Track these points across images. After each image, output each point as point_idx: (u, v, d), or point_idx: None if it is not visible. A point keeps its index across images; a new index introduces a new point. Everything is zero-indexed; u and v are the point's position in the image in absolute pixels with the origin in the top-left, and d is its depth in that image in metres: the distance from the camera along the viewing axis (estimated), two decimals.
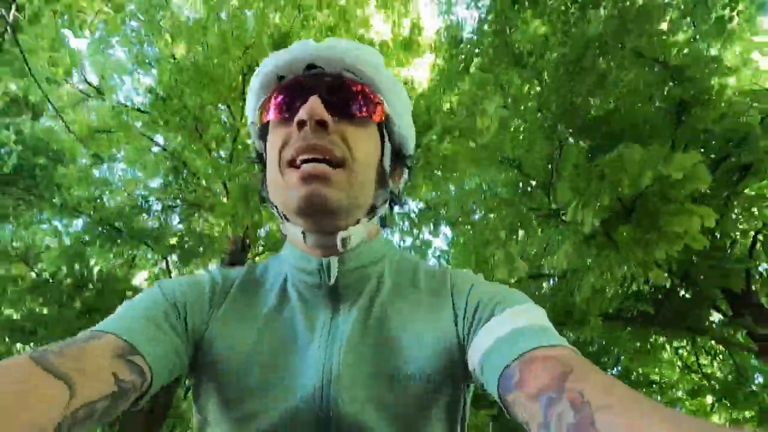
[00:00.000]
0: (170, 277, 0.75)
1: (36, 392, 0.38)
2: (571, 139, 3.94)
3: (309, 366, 0.52)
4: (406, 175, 0.67)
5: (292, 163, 0.52)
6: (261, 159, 0.62)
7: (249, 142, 4.63)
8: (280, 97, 0.56)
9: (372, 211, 0.58)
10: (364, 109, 0.55)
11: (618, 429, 0.33)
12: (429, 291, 0.59)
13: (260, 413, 0.51)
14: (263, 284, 0.62)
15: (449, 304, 0.57)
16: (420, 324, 0.55)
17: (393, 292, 0.59)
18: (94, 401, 0.41)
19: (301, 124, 0.51)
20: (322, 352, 0.53)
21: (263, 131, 0.59)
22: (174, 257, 6.27)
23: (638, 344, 5.78)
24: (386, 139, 0.59)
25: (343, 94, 0.55)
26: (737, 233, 4.13)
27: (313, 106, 0.51)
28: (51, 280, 5.47)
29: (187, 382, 0.60)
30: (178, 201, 6.35)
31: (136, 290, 5.82)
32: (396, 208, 0.68)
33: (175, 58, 5.44)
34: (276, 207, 0.58)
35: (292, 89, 0.55)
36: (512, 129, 4.20)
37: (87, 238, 5.70)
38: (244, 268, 0.65)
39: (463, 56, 4.66)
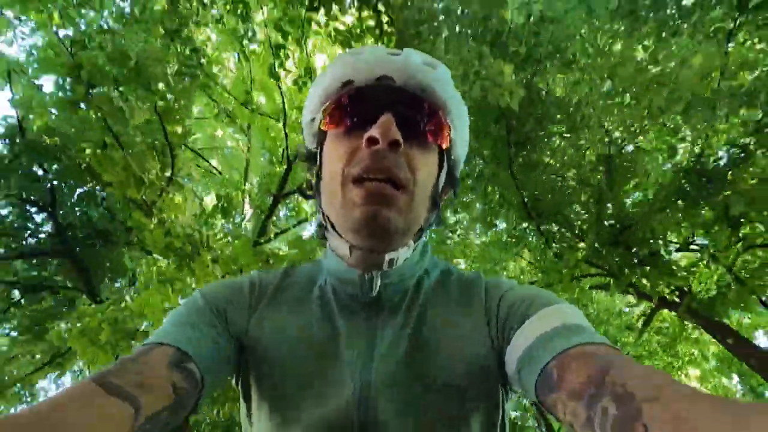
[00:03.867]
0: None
1: (104, 416, 0.39)
2: None
3: (346, 374, 0.52)
4: (452, 194, 0.66)
5: (356, 179, 0.51)
6: (312, 159, 0.61)
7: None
8: (346, 106, 0.54)
9: (419, 232, 0.58)
10: (435, 134, 0.54)
11: (666, 420, 0.31)
12: (463, 298, 0.59)
13: (297, 418, 0.51)
14: (302, 289, 0.61)
15: (482, 310, 0.57)
16: (455, 331, 0.55)
17: (428, 300, 0.58)
18: (158, 413, 0.43)
19: (373, 141, 0.50)
20: (360, 361, 0.53)
21: (321, 135, 0.58)
22: None
23: None
24: (445, 162, 0.59)
25: (416, 115, 0.53)
26: None
27: (388, 126, 0.49)
28: None
29: (233, 382, 0.61)
30: None
31: None
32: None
33: None
34: (324, 215, 0.58)
35: (362, 100, 0.53)
36: None
37: None
38: (281, 271, 0.65)
39: None
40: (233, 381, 0.60)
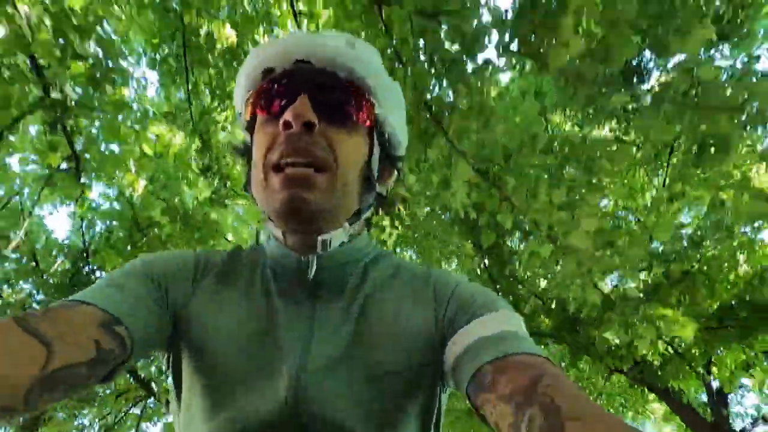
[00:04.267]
0: None
1: (13, 351, 0.38)
2: None
3: (285, 359, 0.51)
4: (395, 176, 0.65)
5: (277, 167, 0.51)
6: (248, 151, 0.60)
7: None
8: (267, 92, 0.54)
9: (357, 214, 0.58)
10: (354, 113, 0.54)
11: None
12: (410, 289, 0.58)
13: (233, 403, 0.50)
14: (246, 272, 0.60)
15: (431, 302, 0.57)
16: (399, 321, 0.54)
17: (373, 289, 0.58)
18: (71, 365, 0.41)
19: (287, 125, 0.50)
20: (299, 347, 0.52)
21: (251, 124, 0.58)
22: None
23: None
24: (375, 141, 0.58)
25: (333, 95, 0.53)
26: None
27: (301, 108, 0.49)
28: None
29: (162, 357, 0.58)
30: None
31: None
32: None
33: None
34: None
35: (279, 84, 0.53)
36: None
37: None
38: (228, 252, 0.64)
39: None
40: (163, 357, 0.58)
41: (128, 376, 6.03)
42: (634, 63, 5.00)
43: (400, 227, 4.42)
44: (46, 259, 5.49)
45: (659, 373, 5.04)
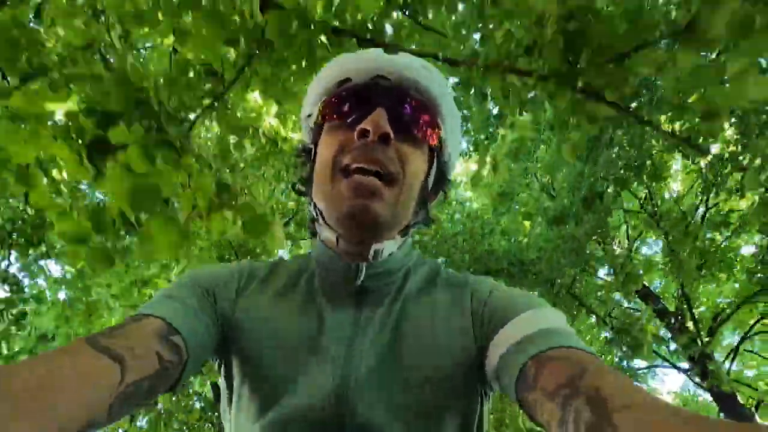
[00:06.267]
0: None
1: (92, 372, 0.40)
2: None
3: (328, 364, 0.53)
4: (442, 195, 0.67)
5: (345, 170, 0.53)
6: (308, 154, 0.62)
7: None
8: (344, 101, 0.56)
9: (407, 227, 0.59)
10: (424, 131, 0.56)
11: (635, 428, 0.33)
12: (449, 296, 0.59)
13: (277, 406, 0.52)
14: (291, 279, 0.62)
15: (468, 308, 0.57)
16: (439, 328, 0.55)
17: (414, 296, 0.59)
18: (142, 379, 0.43)
19: (363, 134, 0.52)
20: (342, 352, 0.53)
21: (317, 129, 0.60)
22: None
23: None
24: (435, 161, 0.61)
25: (408, 112, 0.55)
26: None
27: (380, 119, 0.51)
28: None
29: (215, 364, 0.61)
30: None
31: None
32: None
33: None
34: (314, 205, 0.59)
35: (358, 96, 0.55)
36: None
37: None
38: (271, 261, 0.66)
39: None
40: (216, 365, 0.60)
41: None
42: None
43: None
44: None
45: None
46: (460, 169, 8.48)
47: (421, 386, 0.52)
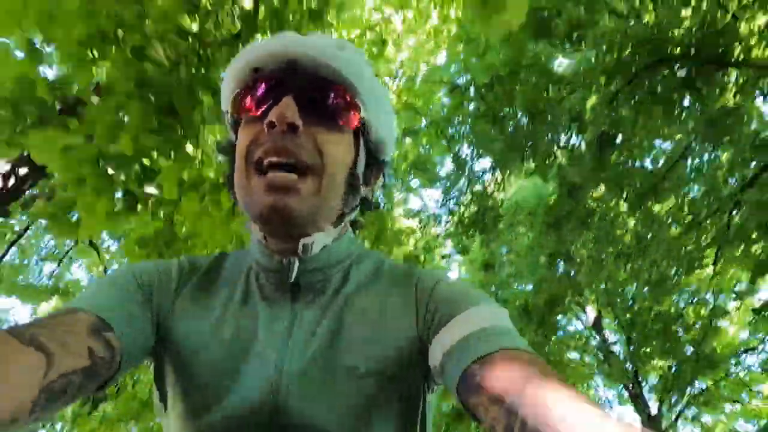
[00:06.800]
0: None
1: (15, 363, 0.38)
2: None
3: (264, 361, 0.52)
4: (382, 179, 0.65)
5: (258, 164, 0.51)
6: (233, 149, 0.59)
7: None
8: (253, 92, 0.54)
9: (340, 217, 0.58)
10: (339, 115, 0.54)
11: None
12: (392, 288, 0.59)
13: (212, 405, 0.51)
14: (229, 275, 0.61)
15: (412, 301, 0.57)
16: (380, 320, 0.54)
17: (355, 289, 0.58)
18: (69, 373, 0.42)
19: (272, 126, 0.49)
20: (278, 347, 0.52)
21: (236, 123, 0.58)
22: None
23: None
24: (361, 144, 0.58)
25: (319, 97, 0.53)
26: None
27: (285, 108, 0.49)
28: None
29: (149, 364, 0.59)
30: None
31: None
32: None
33: None
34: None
35: (266, 84, 0.53)
36: None
37: None
38: (212, 257, 0.64)
39: None
40: (150, 364, 0.58)
41: None
42: None
43: None
44: None
45: None
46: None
47: (359, 380, 0.51)
